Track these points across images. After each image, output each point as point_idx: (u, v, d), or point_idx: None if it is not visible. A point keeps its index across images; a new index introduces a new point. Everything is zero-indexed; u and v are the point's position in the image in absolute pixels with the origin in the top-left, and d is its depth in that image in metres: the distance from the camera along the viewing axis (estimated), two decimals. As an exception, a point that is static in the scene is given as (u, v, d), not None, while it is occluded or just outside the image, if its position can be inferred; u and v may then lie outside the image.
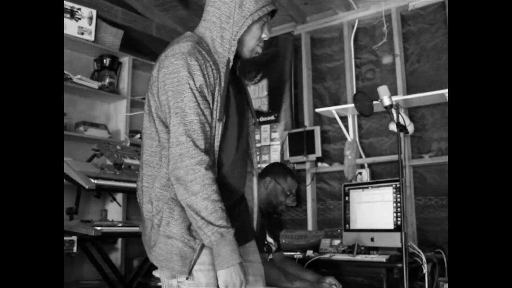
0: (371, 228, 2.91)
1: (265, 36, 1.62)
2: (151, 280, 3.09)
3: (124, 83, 3.94)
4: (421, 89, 3.35)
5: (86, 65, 3.88)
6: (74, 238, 2.73)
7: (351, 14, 3.81)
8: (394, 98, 2.48)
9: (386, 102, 2.24)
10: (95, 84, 3.66)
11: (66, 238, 2.71)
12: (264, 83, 4.18)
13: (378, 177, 3.51)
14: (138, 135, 3.86)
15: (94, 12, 3.71)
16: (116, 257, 3.68)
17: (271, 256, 2.56)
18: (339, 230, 3.22)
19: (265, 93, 4.16)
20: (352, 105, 2.82)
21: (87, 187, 2.88)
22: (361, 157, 3.62)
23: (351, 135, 3.67)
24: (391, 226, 2.81)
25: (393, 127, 3.32)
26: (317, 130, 3.77)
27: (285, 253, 2.78)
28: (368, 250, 2.85)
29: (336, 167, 3.73)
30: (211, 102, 1.49)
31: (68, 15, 3.58)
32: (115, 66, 3.92)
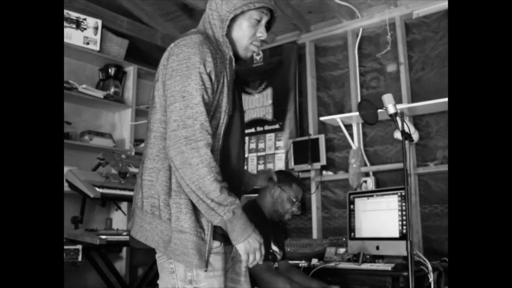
0: (376, 236, 2.90)
1: (260, 35, 1.64)
2: (156, 289, 3.09)
3: (129, 93, 3.97)
4: (426, 97, 3.35)
5: (91, 74, 3.91)
6: (79, 247, 2.73)
7: (355, 23, 3.82)
8: (399, 106, 2.48)
9: (391, 110, 2.24)
10: (100, 94, 3.69)
11: (71, 247, 2.71)
12: (268, 91, 4.18)
13: (383, 185, 3.51)
14: (143, 144, 3.87)
15: (99, 22, 3.75)
16: (121, 265, 3.68)
17: (276, 265, 2.55)
18: (344, 239, 3.20)
19: (270, 101, 4.17)
20: (357, 113, 2.82)
21: (92, 196, 2.89)
22: (366, 165, 3.61)
23: (355, 143, 3.67)
24: (397, 235, 2.79)
25: (398, 135, 3.32)
26: (322, 138, 3.76)
27: (290, 262, 2.77)
28: (374, 258, 2.84)
29: (341, 175, 3.72)
30: (215, 91, 1.51)
31: (74, 25, 3.62)
32: (120, 75, 3.95)
